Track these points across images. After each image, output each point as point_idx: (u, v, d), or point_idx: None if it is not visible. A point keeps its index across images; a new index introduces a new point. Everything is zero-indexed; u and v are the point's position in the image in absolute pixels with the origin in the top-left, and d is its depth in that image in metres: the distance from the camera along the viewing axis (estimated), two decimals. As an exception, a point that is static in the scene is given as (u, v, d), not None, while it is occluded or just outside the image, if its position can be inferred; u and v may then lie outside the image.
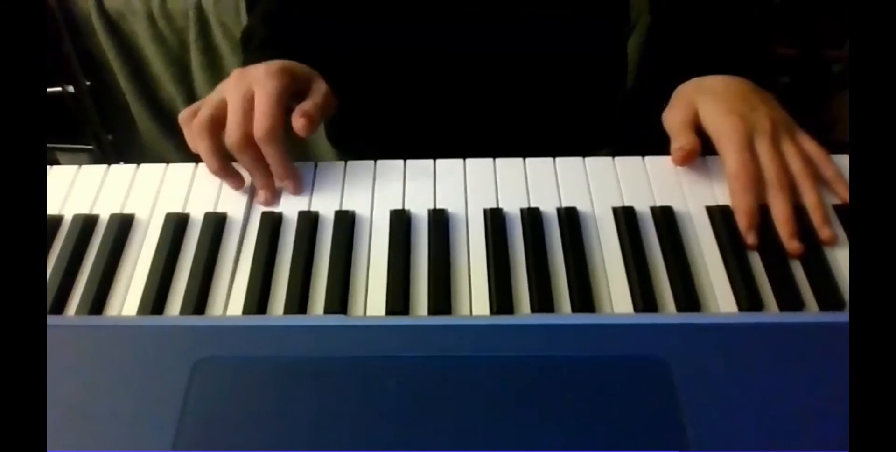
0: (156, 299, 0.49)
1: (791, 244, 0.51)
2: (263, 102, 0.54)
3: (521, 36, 0.69)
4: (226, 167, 0.56)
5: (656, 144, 0.58)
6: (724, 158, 0.55)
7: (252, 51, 0.66)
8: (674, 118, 0.58)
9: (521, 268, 0.50)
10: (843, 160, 0.56)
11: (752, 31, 0.67)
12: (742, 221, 0.52)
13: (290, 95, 0.56)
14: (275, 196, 0.56)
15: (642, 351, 0.41)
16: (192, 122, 0.55)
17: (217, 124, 0.55)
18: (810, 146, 0.56)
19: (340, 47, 0.69)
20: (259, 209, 0.55)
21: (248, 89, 0.55)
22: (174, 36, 1.11)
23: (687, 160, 0.56)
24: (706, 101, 0.57)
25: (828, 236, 0.51)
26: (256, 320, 0.47)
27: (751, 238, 0.51)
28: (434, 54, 0.70)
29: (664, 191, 0.55)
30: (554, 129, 0.76)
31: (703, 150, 0.57)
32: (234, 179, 0.56)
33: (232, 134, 0.54)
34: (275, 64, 0.56)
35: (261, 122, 0.53)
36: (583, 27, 0.69)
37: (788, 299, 0.48)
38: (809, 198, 0.53)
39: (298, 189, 0.56)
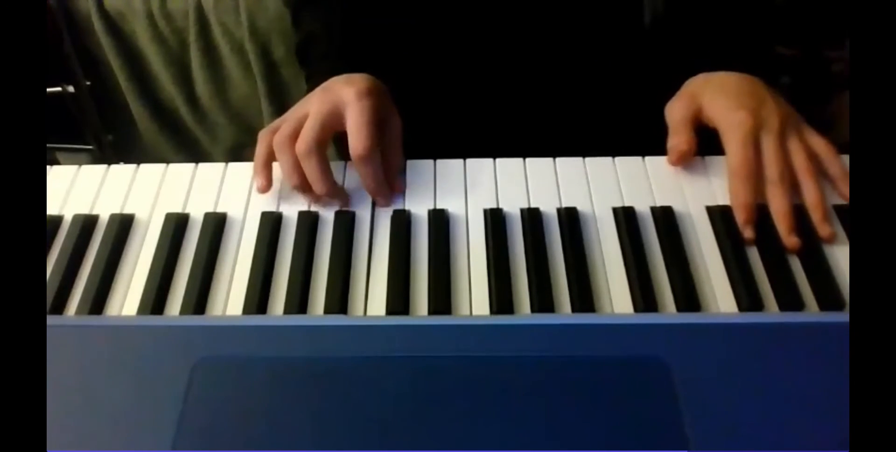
0: (156, 299, 0.49)
1: (789, 240, 0.51)
2: (358, 122, 0.53)
3: (545, 37, 0.69)
4: (306, 183, 0.54)
5: (658, 138, 0.58)
6: (727, 152, 0.55)
7: (313, 62, 0.65)
8: (676, 112, 0.58)
9: (521, 268, 0.50)
10: (843, 160, 0.56)
11: (755, 30, 0.67)
12: (740, 215, 0.52)
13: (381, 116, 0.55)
14: (323, 202, 0.55)
15: (642, 351, 0.41)
16: (269, 136, 0.55)
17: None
18: (818, 143, 0.55)
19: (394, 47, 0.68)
20: (259, 209, 0.55)
21: (334, 107, 0.54)
22: (174, 36, 1.10)
23: (682, 161, 0.56)
24: (714, 95, 0.57)
25: (827, 233, 0.51)
26: (256, 320, 0.47)
27: (748, 232, 0.51)
28: (464, 55, 0.69)
29: (664, 191, 0.55)
30: (563, 128, 0.76)
31: (702, 149, 0.57)
32: (313, 195, 0.55)
33: (301, 140, 0.53)
34: (361, 83, 0.55)
35: (358, 141, 0.53)
36: (596, 31, 0.69)
37: (788, 299, 0.48)
38: (811, 195, 0.53)
39: (388, 204, 0.55)
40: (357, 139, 0.53)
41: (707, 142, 0.57)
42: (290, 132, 0.54)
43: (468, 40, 0.69)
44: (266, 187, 0.56)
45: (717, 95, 0.57)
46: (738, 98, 0.56)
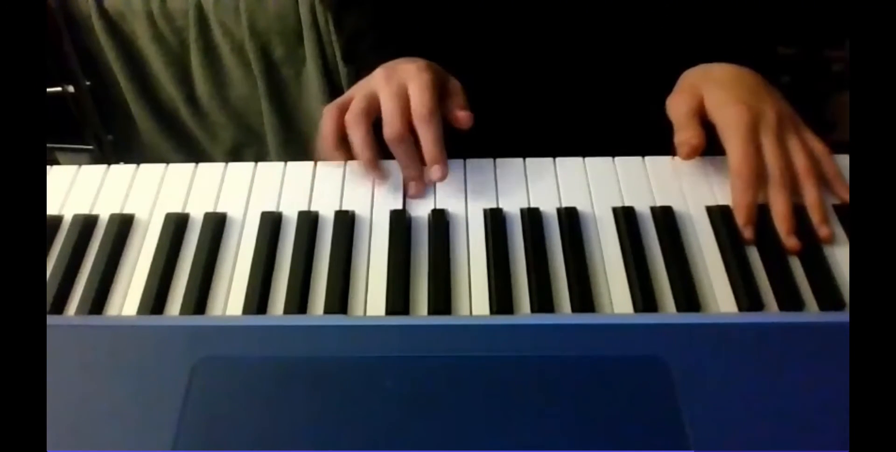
0: (156, 299, 0.49)
1: (789, 241, 0.51)
2: (420, 89, 0.55)
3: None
4: (376, 159, 0.56)
5: (658, 138, 0.58)
6: (727, 149, 0.54)
7: (362, 57, 0.67)
8: (679, 107, 0.58)
9: (521, 268, 0.50)
10: (843, 160, 0.56)
11: (756, 26, 0.67)
12: (740, 216, 0.52)
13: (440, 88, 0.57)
14: (425, 187, 0.56)
15: (642, 351, 0.41)
16: (337, 112, 0.56)
17: (371, 115, 0.56)
18: (814, 142, 0.55)
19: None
20: (259, 209, 0.55)
21: (401, 82, 0.56)
22: (174, 36, 1.11)
23: (693, 155, 0.56)
24: (713, 89, 0.57)
25: (826, 234, 0.51)
26: (256, 320, 0.47)
27: (748, 233, 0.51)
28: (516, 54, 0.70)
29: (664, 191, 0.55)
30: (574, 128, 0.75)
31: (705, 147, 0.57)
32: (381, 172, 0.56)
33: (392, 124, 0.54)
34: (419, 60, 0.58)
35: (420, 104, 0.54)
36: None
37: (788, 299, 0.48)
38: (811, 196, 0.53)
39: (445, 174, 0.55)
40: (417, 104, 0.54)
41: (710, 136, 0.56)
42: (363, 108, 0.56)
43: (479, 37, 0.69)
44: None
45: (715, 89, 0.57)
46: (736, 92, 0.56)
